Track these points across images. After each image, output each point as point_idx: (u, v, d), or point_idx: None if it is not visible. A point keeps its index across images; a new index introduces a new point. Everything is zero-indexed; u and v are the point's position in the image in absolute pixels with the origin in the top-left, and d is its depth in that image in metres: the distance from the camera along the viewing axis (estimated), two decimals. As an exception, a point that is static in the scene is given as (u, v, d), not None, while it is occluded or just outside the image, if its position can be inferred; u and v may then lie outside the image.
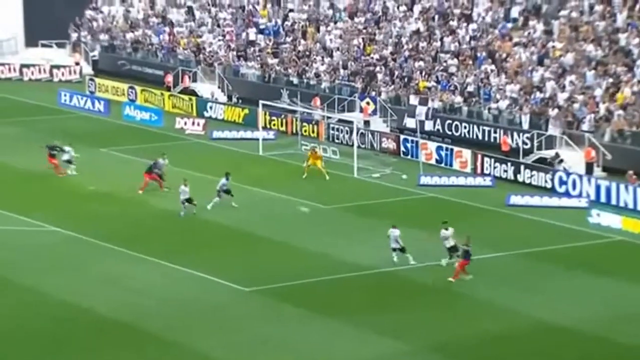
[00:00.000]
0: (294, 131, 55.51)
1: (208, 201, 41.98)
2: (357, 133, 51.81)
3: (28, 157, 49.44)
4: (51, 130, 55.52)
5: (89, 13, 76.04)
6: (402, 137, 52.84)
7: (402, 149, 52.35)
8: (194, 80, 65.13)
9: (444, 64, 57.47)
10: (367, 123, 55.44)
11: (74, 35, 74.70)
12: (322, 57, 62.39)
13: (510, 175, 47.90)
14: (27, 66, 70.84)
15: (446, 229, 35.68)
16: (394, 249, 36.13)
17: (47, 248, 37.49)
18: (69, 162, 47.17)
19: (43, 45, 74.66)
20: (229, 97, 62.97)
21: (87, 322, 30.99)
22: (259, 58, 64.78)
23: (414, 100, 55.39)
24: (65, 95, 63.49)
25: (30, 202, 43.04)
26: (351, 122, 52.96)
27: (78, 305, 32.03)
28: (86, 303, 32.19)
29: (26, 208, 41.78)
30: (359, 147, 50.52)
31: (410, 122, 54.20)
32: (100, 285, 33.90)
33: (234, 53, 66.17)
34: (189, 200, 41.23)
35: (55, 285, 33.74)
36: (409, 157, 51.57)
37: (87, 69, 71.55)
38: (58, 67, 70.82)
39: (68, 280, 34.25)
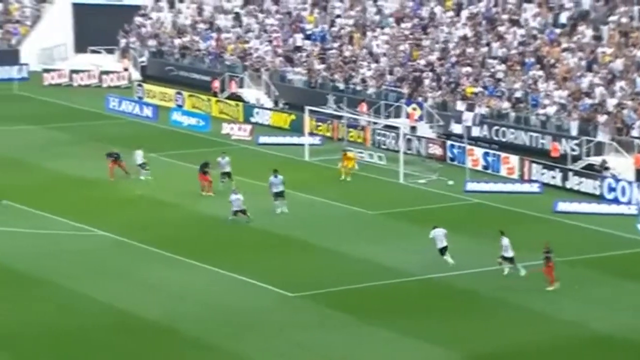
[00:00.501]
0: (340, 137, 55.43)
1: (258, 206, 41.98)
2: (404, 139, 51.62)
3: (77, 162, 49.78)
4: (100, 136, 55.95)
5: (137, 19, 76.57)
6: (448, 142, 52.53)
7: (449, 154, 52.04)
8: (241, 86, 65.32)
9: (492, 70, 57.09)
10: (413, 129, 55.19)
11: (123, 41, 75.26)
12: (369, 63, 62.27)
13: (558, 181, 47.44)
14: (77, 72, 71.44)
15: (502, 238, 35.32)
16: (442, 250, 35.85)
17: (95, 253, 37.69)
18: (142, 166, 47.32)
19: (92, 51, 75.30)
20: (275, 103, 63.07)
21: (131, 326, 31.12)
22: (305, 64, 64.83)
23: (460, 106, 55.14)
24: (113, 100, 63.96)
25: (79, 206, 43.32)
26: (397, 128, 52.73)
27: (123, 310, 32.16)
28: (132, 308, 32.30)
29: (75, 212, 42.05)
30: (405, 152, 50.29)
31: (457, 128, 53.97)
32: (146, 290, 34.03)
33: (281, 59, 66.28)
34: (242, 212, 40.58)
35: (102, 289, 33.89)
36: (456, 163, 51.24)
37: (136, 75, 72.02)
38: (107, 72, 71.35)
39: (114, 285, 34.39)
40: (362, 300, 33.56)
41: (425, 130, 55.25)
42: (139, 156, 47.55)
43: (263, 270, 35.77)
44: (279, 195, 42.52)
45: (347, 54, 64.16)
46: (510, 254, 35.08)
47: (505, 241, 35.17)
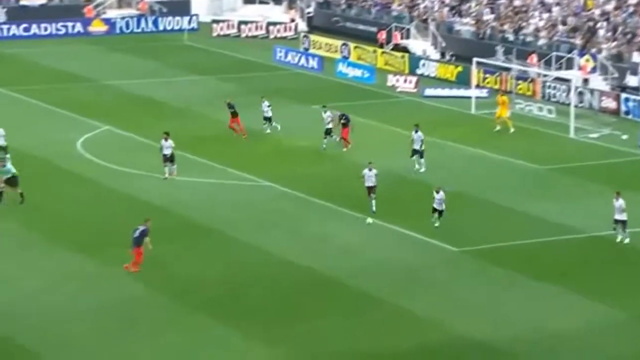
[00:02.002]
0: (509, 89, 54.13)
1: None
2: (575, 91, 50.01)
3: (242, 113, 49.99)
4: (266, 88, 56.24)
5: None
6: (623, 95, 50.64)
7: (623, 108, 50.25)
8: (407, 37, 64.45)
9: (672, 19, 54.53)
10: (585, 81, 53.53)
11: (290, -8, 75.40)
12: (540, 13, 60.44)
13: None
14: (245, 23, 72.05)
15: (617, 199, 33.39)
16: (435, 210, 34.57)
17: (262, 204, 37.80)
18: (268, 119, 46.64)
19: (260, 2, 75.69)
20: (442, 54, 61.99)
21: (299, 278, 31.08)
22: (474, 14, 63.40)
23: (637, 57, 53.08)
24: (280, 52, 64.18)
25: (244, 157, 43.60)
26: (569, 80, 51.25)
27: (294, 263, 32.15)
28: (302, 261, 32.26)
29: (241, 163, 42.35)
30: (576, 106, 48.80)
31: (632, 80, 52.12)
32: (313, 242, 33.95)
33: (448, 9, 65.00)
34: (371, 190, 36.30)
35: (271, 242, 33.90)
36: (630, 117, 49.49)
37: (302, 26, 72.10)
38: (274, 24, 71.70)
39: (283, 238, 34.39)
40: (526, 257, 32.74)
41: (598, 82, 53.49)
42: (266, 107, 46.80)
43: (426, 224, 35.17)
44: (416, 152, 40.81)
45: (517, 3, 62.42)
46: (623, 216, 33.20)
47: (621, 203, 33.27)
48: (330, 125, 44.06)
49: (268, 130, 46.66)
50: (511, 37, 59.68)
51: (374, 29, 66.77)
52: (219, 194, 38.94)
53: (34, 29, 70.16)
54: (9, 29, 69.92)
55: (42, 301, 29.48)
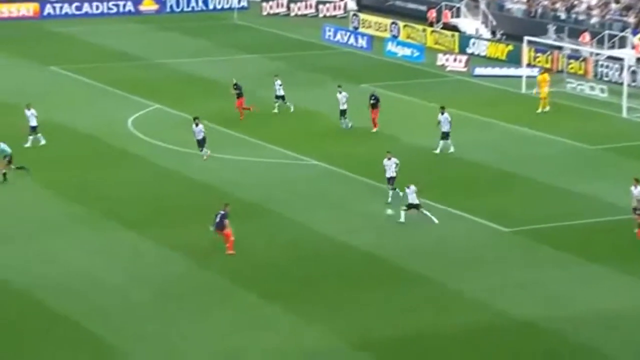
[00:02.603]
0: (560, 68, 53.57)
1: (475, 139, 41.03)
2: (628, 70, 49.37)
3: (290, 91, 50.02)
4: (314, 66, 56.20)
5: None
6: (676, 75, 50.07)
7: (677, 88, 49.58)
8: (457, 16, 63.99)
9: None
10: (639, 60, 52.81)
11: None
12: (593, -9, 59.74)
13: None
14: (295, 2, 71.95)
15: (635, 187, 32.79)
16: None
17: (308, 182, 37.85)
18: (281, 97, 46.53)
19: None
20: (493, 33, 61.48)
21: (349, 258, 31.09)
22: (525, -8, 62.80)
23: (691, 36, 52.23)
24: (329, 30, 64.02)
25: (291, 135, 43.63)
26: (622, 59, 50.61)
27: (340, 241, 32.10)
28: (348, 239, 32.19)
29: (288, 141, 42.39)
30: (629, 85, 48.19)
31: (686, 60, 51.28)
32: (360, 221, 33.84)
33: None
34: (390, 180, 35.19)
35: (318, 220, 33.87)
36: (684, 96, 48.77)
37: (352, 5, 71.85)
38: (324, 2, 71.53)
39: (329, 216, 34.36)
40: (578, 237, 32.49)
41: (651, 61, 52.81)
42: (278, 86, 46.62)
43: (475, 204, 35.00)
44: (446, 135, 40.23)
45: (569, -19, 61.69)
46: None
47: (637, 190, 32.67)
48: (345, 107, 43.67)
49: (276, 110, 46.47)
50: (563, 16, 59.02)
51: (423, 8, 66.35)
52: (266, 172, 39.01)
53: (86, 7, 70.65)
54: (61, 8, 70.47)
55: (94, 277, 29.76)
